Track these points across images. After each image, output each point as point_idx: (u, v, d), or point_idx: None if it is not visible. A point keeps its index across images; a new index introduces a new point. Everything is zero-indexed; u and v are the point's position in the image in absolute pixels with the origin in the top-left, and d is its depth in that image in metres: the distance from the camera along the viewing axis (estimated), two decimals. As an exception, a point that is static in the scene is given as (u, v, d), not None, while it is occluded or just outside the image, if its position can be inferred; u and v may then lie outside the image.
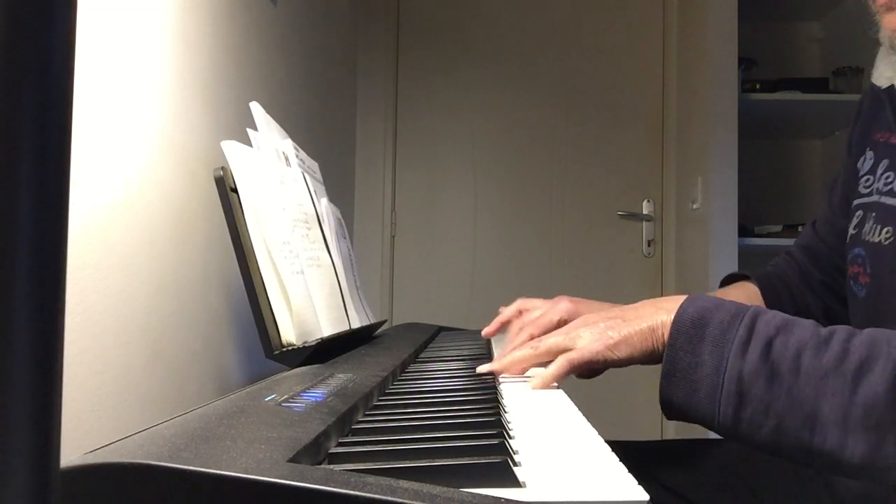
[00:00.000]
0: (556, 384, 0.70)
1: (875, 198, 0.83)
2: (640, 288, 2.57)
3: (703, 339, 0.60)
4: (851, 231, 0.86)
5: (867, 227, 0.83)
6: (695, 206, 2.34)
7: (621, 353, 0.67)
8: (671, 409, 0.63)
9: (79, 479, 0.31)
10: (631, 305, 0.71)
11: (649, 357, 0.67)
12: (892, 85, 0.81)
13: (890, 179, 0.81)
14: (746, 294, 0.99)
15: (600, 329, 0.68)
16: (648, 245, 2.59)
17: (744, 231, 2.27)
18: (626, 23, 2.61)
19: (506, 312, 1.00)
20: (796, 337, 0.58)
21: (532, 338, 0.92)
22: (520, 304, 0.99)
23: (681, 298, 0.65)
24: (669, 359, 0.62)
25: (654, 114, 2.62)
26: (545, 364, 0.72)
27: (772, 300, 0.98)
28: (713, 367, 0.59)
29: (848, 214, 0.88)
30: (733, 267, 2.19)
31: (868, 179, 0.86)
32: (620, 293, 2.55)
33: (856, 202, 0.87)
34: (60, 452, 0.24)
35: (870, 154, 0.87)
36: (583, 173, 2.60)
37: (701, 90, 2.32)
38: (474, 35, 2.63)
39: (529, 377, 0.73)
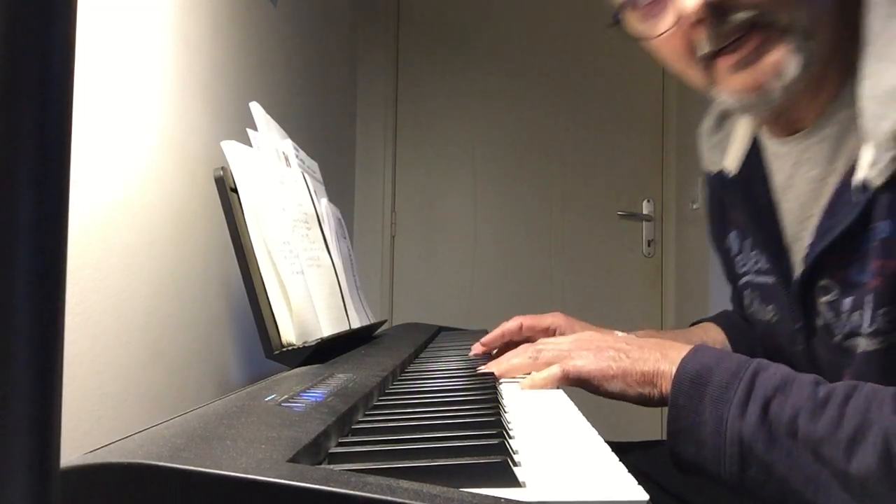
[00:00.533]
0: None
1: (752, 277, 0.84)
2: (640, 288, 2.57)
3: (703, 397, 0.60)
4: (748, 310, 0.87)
5: (755, 306, 0.84)
6: (695, 206, 2.34)
7: (615, 386, 0.67)
8: (682, 465, 0.63)
9: (79, 479, 0.31)
10: (637, 341, 0.70)
11: (641, 401, 0.67)
12: (721, 170, 0.82)
13: (756, 258, 0.82)
14: (718, 329, 0.98)
15: (604, 356, 0.68)
16: (648, 245, 2.59)
17: (744, 231, 2.27)
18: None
19: (507, 326, 0.97)
20: (793, 399, 0.57)
21: (522, 327, 0.92)
22: (520, 320, 0.97)
23: (686, 349, 0.64)
24: (673, 417, 0.61)
25: (654, 114, 2.62)
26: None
27: (737, 338, 0.96)
28: (714, 426, 0.59)
29: (742, 299, 0.89)
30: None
31: (741, 259, 0.86)
32: (620, 293, 2.55)
33: (740, 283, 0.87)
34: (60, 452, 0.24)
35: (733, 234, 0.88)
36: (583, 173, 2.60)
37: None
38: (474, 35, 2.63)
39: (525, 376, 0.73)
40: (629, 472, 0.39)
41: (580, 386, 0.69)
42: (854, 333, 0.67)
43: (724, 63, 0.65)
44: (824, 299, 0.70)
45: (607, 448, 0.45)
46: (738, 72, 0.65)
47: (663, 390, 0.64)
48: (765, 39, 0.62)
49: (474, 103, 2.62)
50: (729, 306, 1.03)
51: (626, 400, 0.67)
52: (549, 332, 0.94)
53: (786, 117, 0.73)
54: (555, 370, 0.69)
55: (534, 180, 2.60)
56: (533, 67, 2.62)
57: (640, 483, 0.37)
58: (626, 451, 0.54)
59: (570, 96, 2.61)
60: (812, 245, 0.69)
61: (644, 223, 2.59)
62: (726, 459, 0.58)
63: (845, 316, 0.68)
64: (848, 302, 0.67)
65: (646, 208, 2.59)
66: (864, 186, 0.62)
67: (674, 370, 0.62)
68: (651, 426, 2.46)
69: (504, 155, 2.61)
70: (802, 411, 0.56)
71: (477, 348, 0.94)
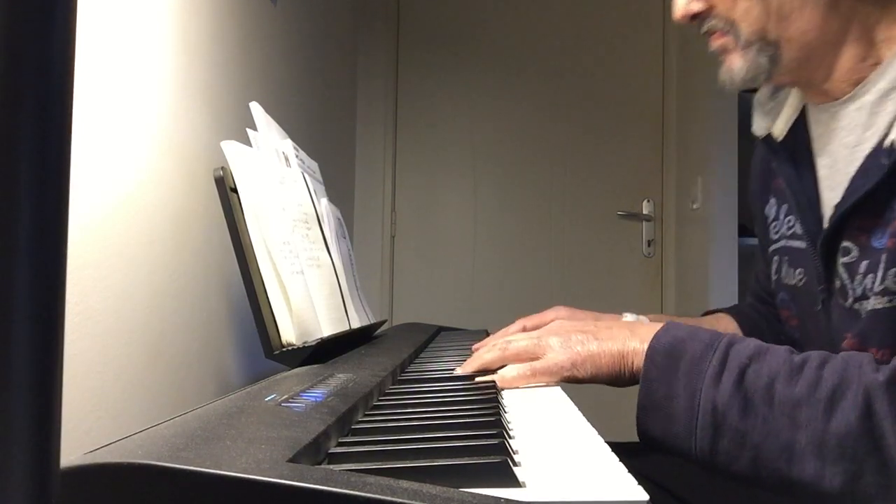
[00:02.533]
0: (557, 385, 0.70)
1: (784, 242, 0.84)
2: (640, 288, 2.57)
3: (677, 370, 0.60)
4: (773, 276, 0.88)
5: (783, 271, 0.85)
6: (695, 206, 2.34)
7: (586, 370, 0.67)
8: (649, 441, 0.62)
9: (79, 479, 0.31)
10: (605, 322, 0.71)
11: (614, 381, 0.67)
12: (770, 133, 0.83)
13: (791, 223, 0.83)
14: (729, 320, 1.00)
15: (570, 342, 0.68)
16: (648, 245, 2.59)
17: (744, 231, 2.27)
18: (627, 23, 2.61)
19: (509, 330, 0.96)
20: (769, 365, 0.58)
21: (525, 329, 0.92)
22: (522, 322, 0.97)
23: (656, 326, 0.65)
24: (644, 391, 0.61)
25: (654, 114, 2.62)
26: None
27: (749, 327, 0.98)
28: (687, 400, 0.59)
29: (769, 264, 0.90)
30: (733, 267, 2.19)
31: (776, 225, 0.87)
32: (620, 293, 2.55)
33: (771, 249, 0.88)
34: (60, 452, 0.24)
35: (772, 201, 0.89)
36: (583, 173, 2.60)
37: (701, 90, 2.32)
38: (474, 35, 2.63)
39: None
40: (629, 472, 0.39)
41: (553, 379, 0.69)
42: (864, 297, 0.68)
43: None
44: (843, 260, 0.71)
45: (607, 448, 0.45)
46: (718, 56, 0.77)
47: (634, 367, 0.64)
48: (724, 43, 0.74)
49: (474, 103, 2.62)
50: (729, 305, 1.04)
51: (598, 382, 0.67)
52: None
53: (817, 87, 0.76)
54: (523, 371, 0.69)
55: (534, 180, 2.60)
56: (533, 67, 2.61)
57: (640, 483, 0.37)
58: (626, 452, 0.54)
59: (571, 96, 2.61)
60: (838, 205, 0.71)
61: (644, 223, 2.59)
62: (698, 432, 0.58)
63: (859, 279, 0.69)
64: (864, 265, 0.68)
65: (646, 208, 2.59)
66: (893, 148, 0.64)
67: (645, 346, 0.63)
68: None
69: (504, 155, 2.61)
70: (779, 376, 0.57)
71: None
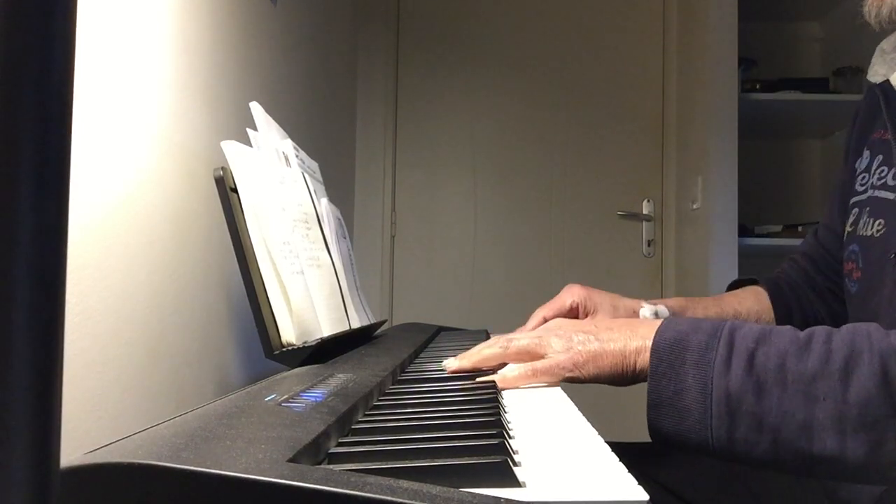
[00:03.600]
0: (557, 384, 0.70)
1: (870, 192, 0.83)
2: (640, 288, 2.56)
3: (684, 363, 0.59)
4: (848, 229, 0.87)
5: (861, 222, 0.84)
6: (695, 206, 2.34)
7: (587, 371, 0.66)
8: (662, 439, 0.61)
9: (79, 479, 0.31)
10: (606, 322, 0.71)
11: (616, 380, 0.66)
12: (887, 80, 0.82)
13: (884, 173, 0.82)
14: (756, 297, 0.99)
15: (572, 342, 0.68)
16: (648, 245, 2.59)
17: (744, 231, 2.27)
18: (627, 23, 2.61)
19: (531, 324, 0.95)
20: (777, 345, 0.57)
21: (545, 320, 0.92)
22: (542, 312, 0.97)
23: (656, 324, 0.64)
24: (653, 388, 0.60)
25: (654, 114, 2.62)
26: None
27: (779, 303, 0.98)
28: (699, 391, 0.58)
29: (846, 218, 0.89)
30: (733, 267, 2.19)
31: (864, 178, 0.86)
32: (620, 293, 2.55)
33: (852, 201, 0.87)
34: (60, 452, 0.24)
35: (866, 154, 0.88)
36: (583, 173, 2.60)
37: (701, 90, 2.32)
38: (474, 35, 2.63)
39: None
40: (629, 472, 0.39)
41: (554, 380, 0.69)
42: None
43: None
44: None
45: (607, 448, 0.45)
46: None
47: (637, 367, 0.64)
48: None
49: (474, 103, 2.62)
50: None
51: (600, 382, 0.67)
52: (574, 312, 0.95)
53: None
54: (525, 371, 0.68)
55: (534, 180, 2.60)
56: (533, 67, 2.61)
57: (640, 483, 0.37)
58: (626, 452, 0.53)
59: (571, 96, 2.61)
60: None
61: (644, 223, 2.59)
62: (713, 422, 0.57)
63: None
64: None
65: (646, 208, 2.59)
66: None
67: (647, 344, 0.62)
68: (651, 426, 2.46)
69: (504, 155, 2.61)
70: (789, 355, 0.56)
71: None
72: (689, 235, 2.42)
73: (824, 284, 0.98)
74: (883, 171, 0.82)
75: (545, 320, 0.92)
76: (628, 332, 0.66)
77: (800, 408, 0.54)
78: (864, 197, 0.85)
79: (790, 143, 2.80)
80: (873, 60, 0.85)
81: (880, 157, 0.84)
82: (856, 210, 0.86)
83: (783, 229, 2.43)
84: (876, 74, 0.84)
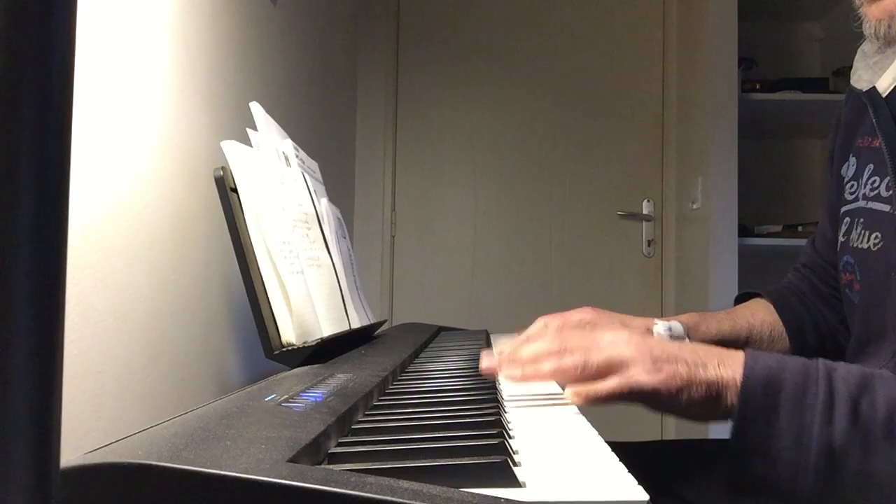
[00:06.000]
0: (557, 383, 0.69)
1: (861, 203, 0.82)
2: (640, 288, 2.56)
3: (777, 407, 0.53)
4: (840, 239, 0.85)
5: (854, 233, 0.82)
6: (695, 206, 2.34)
7: (680, 399, 0.56)
8: (748, 486, 0.56)
9: (79, 479, 0.31)
10: (677, 343, 0.62)
11: (704, 416, 0.58)
12: (873, 87, 0.81)
13: (876, 184, 0.80)
14: (766, 308, 0.97)
15: (656, 360, 0.57)
16: (648, 245, 2.59)
17: (744, 231, 2.27)
18: (626, 22, 2.61)
19: (532, 331, 0.82)
20: (883, 394, 0.52)
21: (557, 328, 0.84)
22: (545, 320, 0.86)
23: (737, 354, 0.57)
24: (741, 432, 0.54)
25: (654, 114, 2.62)
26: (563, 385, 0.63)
27: (789, 314, 0.96)
28: (792, 440, 0.52)
29: (837, 226, 0.88)
30: (733, 267, 2.19)
31: (853, 185, 0.85)
32: (620, 293, 2.55)
33: (843, 209, 0.86)
34: (60, 452, 0.24)
35: (853, 160, 0.86)
36: (583, 173, 2.60)
37: (701, 90, 2.32)
38: (474, 35, 2.63)
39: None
40: (629, 472, 0.39)
41: (634, 402, 0.58)
42: None
43: None
44: None
45: (607, 448, 0.45)
46: (871, 3, 0.76)
47: (729, 402, 0.55)
48: None
49: (474, 103, 2.62)
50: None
51: (683, 416, 0.58)
52: (580, 323, 0.86)
53: None
54: (611, 384, 0.57)
55: (534, 180, 2.60)
56: (533, 67, 2.61)
57: (640, 483, 0.37)
58: (626, 452, 0.51)
59: (571, 96, 2.61)
60: None
61: (644, 223, 2.59)
62: (809, 474, 0.52)
63: None
64: None
65: (646, 208, 2.59)
66: None
67: (737, 378, 0.55)
68: (651, 426, 2.46)
69: (504, 155, 2.61)
70: None
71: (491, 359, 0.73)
72: (690, 235, 2.42)
73: (830, 293, 0.97)
74: (875, 181, 0.80)
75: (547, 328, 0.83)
76: (713, 359, 0.57)
77: None
78: (854, 206, 0.83)
79: (790, 143, 2.80)
80: (856, 65, 0.83)
81: (871, 166, 0.82)
82: (847, 220, 0.84)
83: (783, 229, 2.43)
84: (860, 80, 0.82)
